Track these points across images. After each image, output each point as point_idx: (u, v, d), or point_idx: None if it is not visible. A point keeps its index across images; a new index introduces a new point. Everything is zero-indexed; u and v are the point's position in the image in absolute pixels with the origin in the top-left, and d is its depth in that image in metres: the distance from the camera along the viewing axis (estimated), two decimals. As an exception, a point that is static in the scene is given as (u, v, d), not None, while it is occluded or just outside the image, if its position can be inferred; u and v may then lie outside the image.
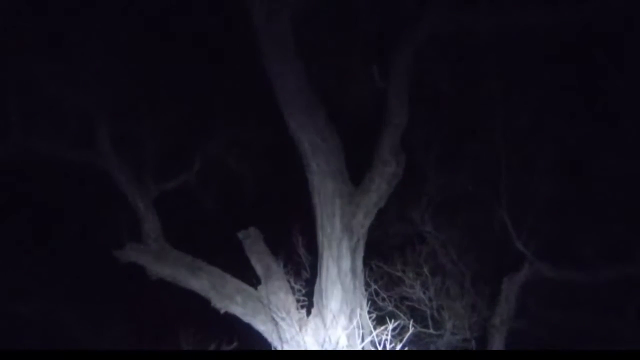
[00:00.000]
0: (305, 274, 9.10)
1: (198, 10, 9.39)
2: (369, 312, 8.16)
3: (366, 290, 8.60)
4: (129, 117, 9.65)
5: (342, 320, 7.86)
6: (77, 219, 10.94)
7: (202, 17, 9.43)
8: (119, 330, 11.40)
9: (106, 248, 9.17)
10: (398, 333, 7.47)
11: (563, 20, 8.72)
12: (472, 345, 9.67)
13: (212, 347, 8.75)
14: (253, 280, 8.68)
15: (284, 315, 8.09)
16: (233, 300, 8.53)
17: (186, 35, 9.54)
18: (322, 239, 8.15)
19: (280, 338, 8.17)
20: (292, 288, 8.55)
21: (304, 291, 8.67)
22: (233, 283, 8.68)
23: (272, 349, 8.31)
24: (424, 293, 9.53)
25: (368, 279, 8.94)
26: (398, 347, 7.14)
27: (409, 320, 8.39)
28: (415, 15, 8.64)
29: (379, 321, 7.95)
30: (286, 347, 8.09)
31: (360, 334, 7.50)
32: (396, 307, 9.36)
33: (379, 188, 8.41)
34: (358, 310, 7.88)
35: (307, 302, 8.43)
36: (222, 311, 8.58)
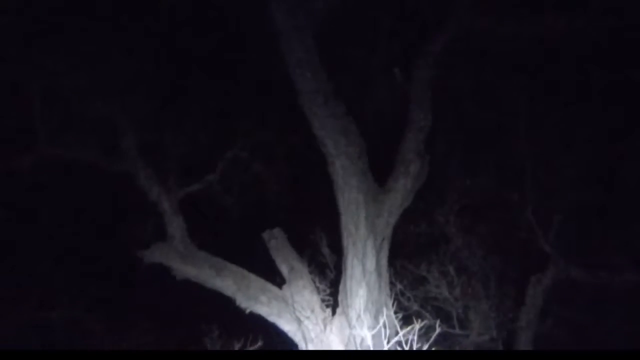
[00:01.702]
0: (330, 274, 9.08)
1: (222, 16, 9.45)
2: (395, 312, 8.11)
3: (391, 290, 8.57)
4: (154, 121, 9.72)
5: (368, 320, 7.82)
6: (103, 222, 10.99)
7: (226, 23, 9.50)
8: (143, 333, 11.43)
9: (132, 250, 9.22)
10: (424, 333, 7.43)
11: (591, 25, 8.70)
12: (499, 345, 9.62)
13: (237, 347, 8.72)
14: (278, 280, 8.69)
15: (308, 314, 8.08)
16: (258, 300, 8.53)
17: (211, 40, 9.61)
18: (347, 238, 8.15)
19: (304, 337, 8.16)
20: (317, 288, 8.53)
21: (328, 291, 8.64)
22: (258, 283, 8.69)
23: (297, 348, 8.31)
24: (450, 293, 9.48)
25: (393, 279, 8.90)
26: (425, 347, 7.11)
27: (435, 320, 8.34)
28: (439, 18, 8.68)
29: (405, 321, 7.90)
30: (311, 346, 8.08)
31: (387, 334, 7.46)
32: (422, 307, 9.31)
33: (403, 188, 8.41)
34: (384, 310, 7.84)
35: (332, 301, 8.43)
36: (247, 311, 8.59)
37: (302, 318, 8.14)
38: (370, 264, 8.06)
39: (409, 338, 6.98)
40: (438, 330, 7.42)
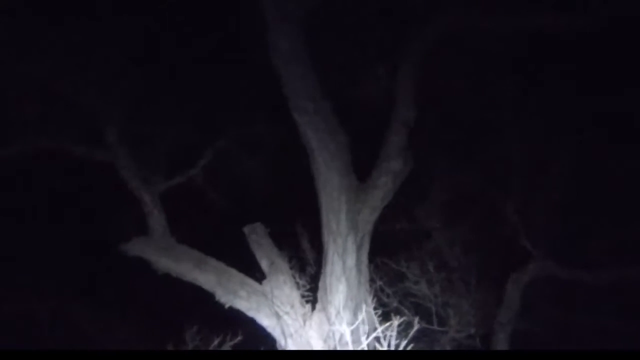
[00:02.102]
0: (310, 270, 9.10)
1: (209, 9, 9.42)
2: (374, 308, 8.12)
3: (371, 286, 8.59)
4: (137, 112, 9.69)
5: (347, 316, 7.83)
6: (85, 214, 10.97)
7: (213, 16, 9.47)
8: (125, 327, 11.44)
9: (113, 243, 9.20)
10: (403, 329, 7.46)
11: (578, 23, 8.71)
12: (477, 342, 9.66)
13: (216, 342, 8.71)
14: (258, 275, 8.68)
15: (288, 309, 8.07)
16: (237, 295, 8.50)
17: (197, 32, 9.58)
18: (328, 234, 8.14)
19: (284, 333, 8.15)
20: (297, 283, 8.51)
21: (308, 286, 8.63)
22: (238, 277, 8.66)
23: (277, 343, 8.32)
24: (429, 289, 9.52)
25: (373, 275, 8.93)
26: (403, 344, 7.13)
27: (414, 316, 8.37)
28: (425, 14, 8.67)
29: (384, 317, 7.92)
30: (290, 342, 8.08)
31: (365, 330, 7.49)
32: (401, 303, 9.35)
33: (385, 185, 8.42)
34: (363, 306, 7.84)
35: (312, 297, 8.42)
36: (227, 305, 8.55)
37: (282, 313, 8.13)
38: (351, 260, 8.06)
39: (388, 334, 7.00)
40: (417, 326, 7.44)
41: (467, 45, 9.21)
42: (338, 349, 7.68)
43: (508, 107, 9.77)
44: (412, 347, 7.16)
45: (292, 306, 8.14)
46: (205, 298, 8.80)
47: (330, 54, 9.31)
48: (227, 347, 8.67)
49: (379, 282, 9.34)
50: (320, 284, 8.20)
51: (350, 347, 7.22)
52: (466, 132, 10.19)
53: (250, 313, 8.48)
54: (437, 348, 9.33)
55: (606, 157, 9.74)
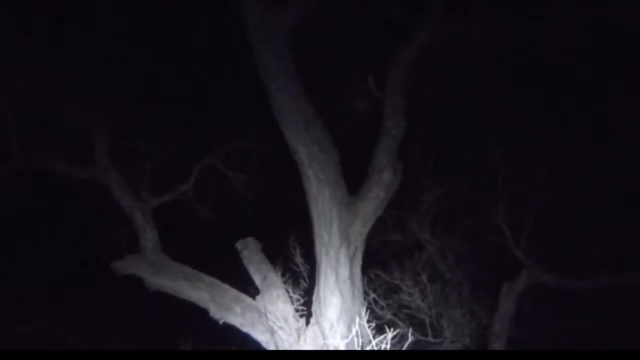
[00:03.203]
0: (304, 283, 9.06)
1: (196, 25, 9.43)
2: (368, 321, 8.10)
3: (365, 298, 8.57)
4: (126, 130, 9.68)
5: (341, 329, 7.82)
6: (76, 232, 10.91)
7: (200, 31, 9.48)
8: (116, 343, 11.35)
9: (105, 261, 9.16)
10: (397, 341, 7.46)
11: (561, 30, 8.76)
12: (472, 352, 9.67)
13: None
14: (251, 290, 8.67)
15: (282, 324, 8.06)
16: (231, 311, 8.51)
17: (184, 49, 9.59)
18: (320, 247, 8.14)
19: (277, 347, 8.12)
20: (291, 297, 8.50)
21: (302, 300, 8.61)
22: (231, 293, 8.66)
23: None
24: (423, 301, 9.51)
25: (366, 288, 8.91)
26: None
27: (408, 328, 8.37)
28: (411, 26, 8.70)
29: (378, 330, 7.92)
30: (285, 356, 8.08)
31: (360, 343, 7.47)
32: (395, 315, 9.33)
33: (376, 196, 8.41)
34: (357, 319, 7.82)
35: (306, 311, 8.41)
36: (221, 322, 8.57)
37: (276, 328, 8.11)
38: (344, 272, 8.05)
39: (382, 347, 6.99)
40: (411, 338, 7.44)
41: (450, 55, 9.25)
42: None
43: (494, 115, 9.79)
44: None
45: (286, 321, 8.12)
46: (200, 311, 8.78)
47: (318, 68, 9.33)
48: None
49: (373, 295, 9.32)
50: (314, 297, 8.18)
51: (345, 360, 7.22)
52: (453, 141, 10.21)
53: (245, 329, 8.48)
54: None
55: (594, 163, 9.76)
